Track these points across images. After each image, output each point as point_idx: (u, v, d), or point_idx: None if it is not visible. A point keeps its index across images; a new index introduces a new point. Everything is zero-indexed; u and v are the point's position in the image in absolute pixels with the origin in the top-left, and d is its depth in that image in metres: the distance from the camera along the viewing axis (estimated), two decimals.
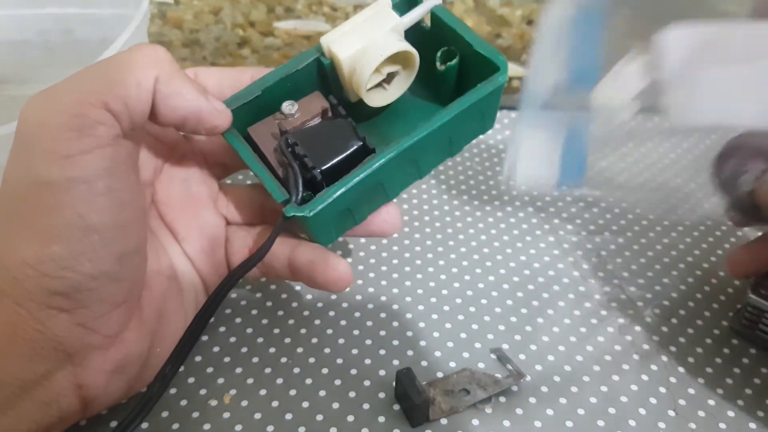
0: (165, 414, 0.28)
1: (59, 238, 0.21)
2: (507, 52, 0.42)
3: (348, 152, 0.26)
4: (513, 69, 0.43)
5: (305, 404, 0.28)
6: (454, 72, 0.28)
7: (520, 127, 0.30)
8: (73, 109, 0.21)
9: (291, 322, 0.32)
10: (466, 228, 0.37)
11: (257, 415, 0.28)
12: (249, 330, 0.32)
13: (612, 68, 0.26)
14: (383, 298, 0.33)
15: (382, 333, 0.32)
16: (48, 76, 0.41)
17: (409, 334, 0.32)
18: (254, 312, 0.33)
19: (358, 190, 0.25)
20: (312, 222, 0.25)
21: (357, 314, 0.32)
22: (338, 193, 0.25)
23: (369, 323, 0.32)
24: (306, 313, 0.32)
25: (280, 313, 0.33)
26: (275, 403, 0.29)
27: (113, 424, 0.27)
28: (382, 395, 0.29)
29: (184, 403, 0.29)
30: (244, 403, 0.29)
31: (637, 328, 0.32)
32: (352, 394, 0.29)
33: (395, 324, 0.32)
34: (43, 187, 0.21)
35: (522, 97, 0.30)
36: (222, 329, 0.32)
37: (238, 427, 0.28)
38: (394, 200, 0.29)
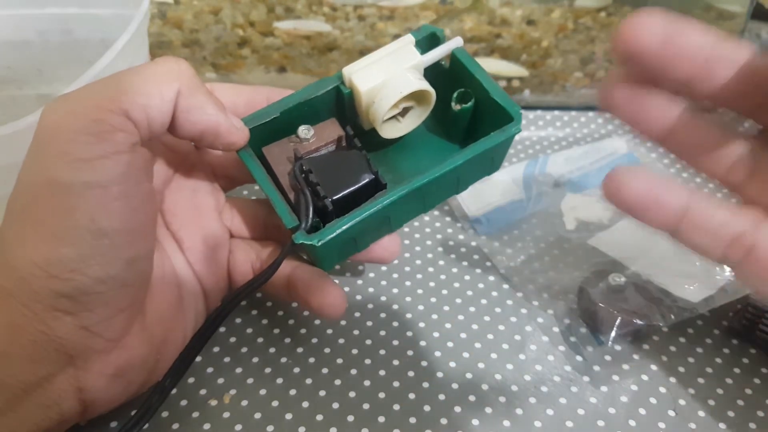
0: (165, 414, 0.28)
1: (69, 241, 0.21)
2: (507, 52, 0.42)
3: (360, 184, 0.27)
4: (513, 69, 0.43)
5: (305, 404, 0.28)
6: (468, 114, 0.29)
7: None
8: (93, 114, 0.21)
9: (291, 322, 0.32)
10: (466, 228, 0.37)
11: (257, 415, 0.28)
12: (249, 330, 0.32)
13: None
14: (383, 298, 0.33)
15: (382, 333, 0.32)
16: (48, 77, 0.41)
17: (409, 334, 0.32)
18: (254, 312, 0.33)
19: (366, 223, 0.26)
20: (319, 251, 0.25)
21: (357, 314, 0.32)
22: (347, 225, 0.25)
23: (369, 323, 0.32)
24: (306, 313, 0.32)
25: (280, 313, 0.33)
26: (275, 403, 0.29)
27: (113, 424, 0.28)
28: (382, 395, 0.29)
29: (184, 403, 0.29)
30: (244, 403, 0.29)
31: None
32: (352, 394, 0.29)
33: (395, 324, 0.32)
34: (58, 188, 0.21)
35: None
36: (222, 329, 0.32)
37: (238, 427, 0.28)
38: None
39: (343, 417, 0.28)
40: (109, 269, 0.22)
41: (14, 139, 0.25)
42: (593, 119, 0.45)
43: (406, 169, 0.30)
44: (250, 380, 0.29)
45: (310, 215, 0.25)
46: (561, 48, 0.42)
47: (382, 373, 0.30)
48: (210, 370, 0.30)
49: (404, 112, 0.29)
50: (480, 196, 0.38)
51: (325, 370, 0.30)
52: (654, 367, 0.30)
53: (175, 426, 0.28)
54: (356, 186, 0.26)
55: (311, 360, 0.30)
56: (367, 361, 0.30)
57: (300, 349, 0.31)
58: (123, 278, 0.23)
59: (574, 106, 0.45)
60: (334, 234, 0.25)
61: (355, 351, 0.31)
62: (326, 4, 0.40)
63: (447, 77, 0.29)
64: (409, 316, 0.32)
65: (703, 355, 0.31)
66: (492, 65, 0.43)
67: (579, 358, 0.31)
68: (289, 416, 0.28)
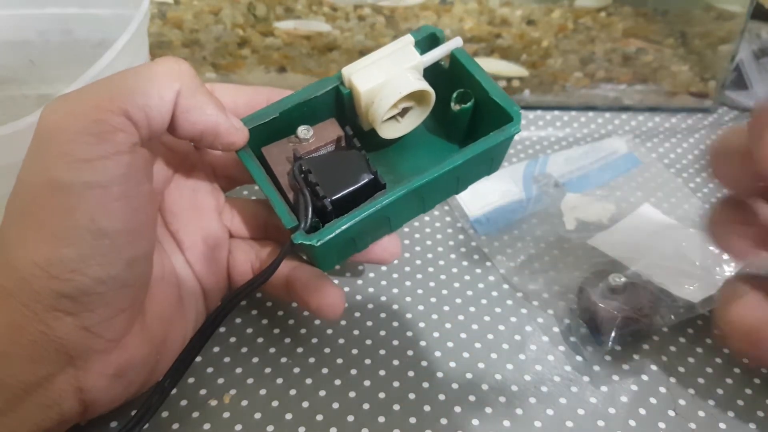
0: (165, 414, 0.28)
1: (70, 241, 0.21)
2: (507, 52, 0.42)
3: (359, 184, 0.27)
4: (513, 69, 0.43)
5: (305, 404, 0.29)
6: (467, 114, 0.29)
7: None
8: (94, 115, 0.21)
9: (291, 322, 0.32)
10: (466, 228, 0.37)
11: (257, 415, 0.28)
12: (249, 330, 0.32)
13: None
14: (383, 298, 0.33)
15: (382, 333, 0.32)
16: (48, 76, 0.41)
17: (409, 334, 0.32)
18: (254, 312, 0.33)
19: (365, 223, 0.26)
20: (318, 251, 0.25)
21: (357, 314, 0.32)
22: (346, 225, 0.25)
23: (369, 323, 0.32)
24: (306, 313, 0.32)
25: (280, 313, 0.33)
26: (275, 403, 0.29)
27: (113, 424, 0.28)
28: (382, 395, 0.29)
29: (184, 403, 0.29)
30: (244, 403, 0.29)
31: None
32: (352, 394, 0.29)
33: (395, 324, 0.32)
34: (58, 189, 0.21)
35: None
36: (222, 329, 0.32)
37: (238, 427, 0.28)
38: None
39: (343, 417, 0.28)
40: (109, 269, 0.22)
41: (14, 139, 0.25)
42: (593, 119, 0.45)
43: (405, 169, 0.30)
44: (250, 380, 0.29)
45: (309, 215, 0.25)
46: (561, 48, 0.42)
47: (382, 373, 0.30)
48: (210, 370, 0.30)
49: (404, 113, 0.29)
50: (480, 196, 0.38)
51: (325, 370, 0.30)
52: (654, 367, 0.30)
53: (175, 426, 0.28)
54: (355, 186, 0.26)
55: (311, 360, 0.30)
56: (367, 361, 0.30)
57: (300, 349, 0.31)
58: (123, 278, 0.23)
59: (574, 106, 0.45)
60: (333, 234, 0.25)
61: (355, 351, 0.31)
62: (326, 4, 0.40)
63: (447, 77, 0.29)
64: (409, 316, 0.32)
65: (703, 355, 0.31)
66: (492, 65, 0.43)
67: (579, 358, 0.31)
68: (289, 416, 0.28)
